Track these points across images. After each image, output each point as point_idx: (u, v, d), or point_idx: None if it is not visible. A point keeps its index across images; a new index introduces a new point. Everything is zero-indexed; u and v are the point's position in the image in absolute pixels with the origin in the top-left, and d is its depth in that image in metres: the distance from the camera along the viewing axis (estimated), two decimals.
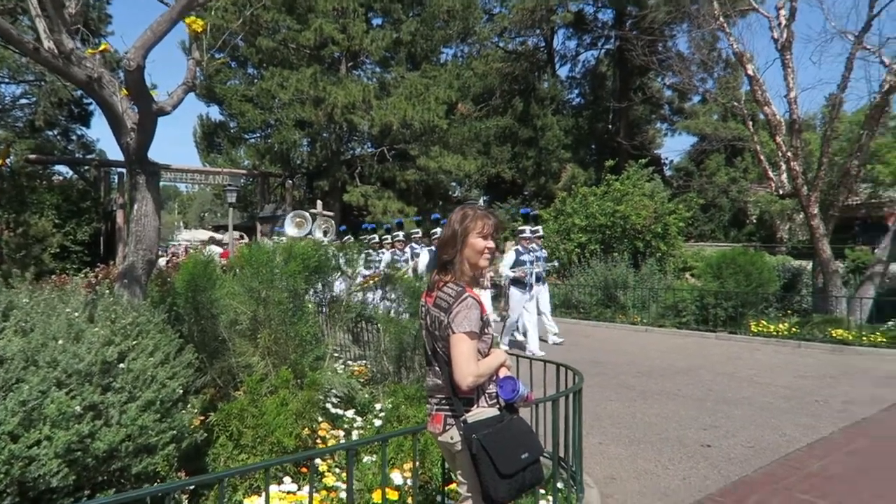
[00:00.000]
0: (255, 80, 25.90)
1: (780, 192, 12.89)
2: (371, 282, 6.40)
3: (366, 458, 3.70)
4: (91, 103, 25.83)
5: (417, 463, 3.28)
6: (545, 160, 30.91)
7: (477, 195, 32.16)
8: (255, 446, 3.43)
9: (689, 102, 34.87)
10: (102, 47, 4.04)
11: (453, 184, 31.10)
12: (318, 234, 12.24)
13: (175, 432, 2.99)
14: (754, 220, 29.83)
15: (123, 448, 2.70)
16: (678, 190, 26.32)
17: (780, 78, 11.75)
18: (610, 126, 33.07)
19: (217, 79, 25.76)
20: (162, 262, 13.78)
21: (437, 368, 2.30)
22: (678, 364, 8.45)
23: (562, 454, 3.73)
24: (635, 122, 34.25)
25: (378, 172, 26.39)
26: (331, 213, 17.08)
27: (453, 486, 2.97)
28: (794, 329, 10.21)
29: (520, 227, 9.92)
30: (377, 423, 4.21)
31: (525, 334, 9.55)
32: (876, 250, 11.72)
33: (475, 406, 2.24)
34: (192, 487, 3.15)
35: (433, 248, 9.56)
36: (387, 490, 3.10)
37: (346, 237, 13.63)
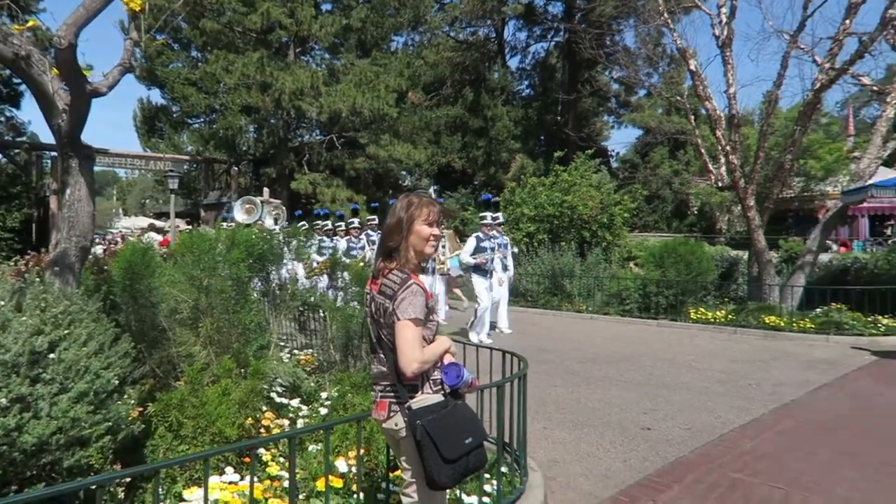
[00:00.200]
0: (199, 64, 25.12)
1: (720, 184, 13.34)
2: (322, 269, 6.34)
3: (311, 447, 3.67)
4: (21, 83, 24.53)
5: (362, 450, 3.28)
6: (495, 150, 31.12)
7: (427, 184, 32.13)
8: (195, 437, 3.36)
9: (635, 96, 35.72)
10: (31, 23, 3.84)
11: (403, 172, 30.99)
12: (269, 221, 12.00)
13: (110, 424, 2.89)
14: (695, 212, 30.84)
15: (54, 441, 2.60)
16: (624, 181, 26.91)
17: (720, 74, 12.17)
18: (559, 118, 33.52)
19: (158, 61, 24.85)
20: (99, 249, 13.26)
21: (382, 356, 2.30)
22: (621, 351, 8.68)
23: (507, 439, 3.79)
24: (583, 114, 34.84)
25: (327, 160, 26.04)
26: (277, 201, 16.77)
27: (399, 472, 2.98)
28: (730, 316, 10.62)
29: (481, 214, 9.85)
30: (323, 411, 4.18)
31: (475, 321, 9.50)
32: (807, 241, 12.28)
33: (420, 393, 2.25)
34: (128, 480, 3.06)
35: None
36: (332, 478, 3.09)
37: (301, 224, 13.42)
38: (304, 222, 13.62)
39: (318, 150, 26.04)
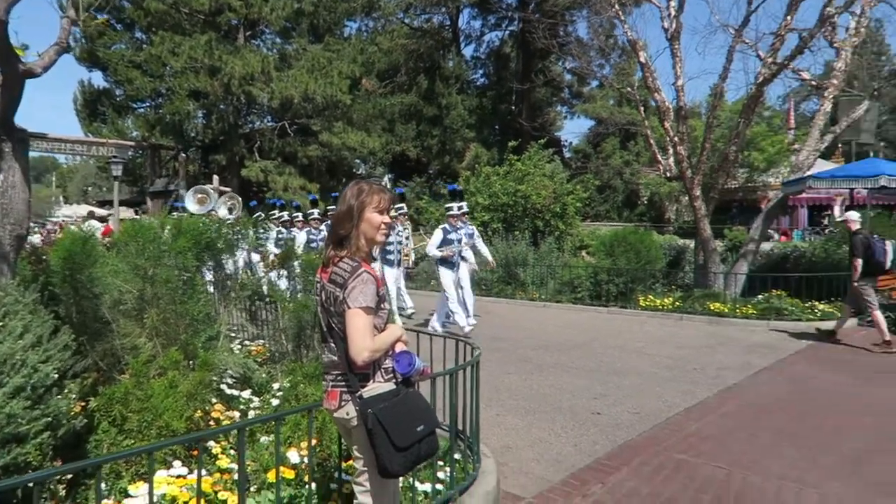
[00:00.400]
0: (144, 46, 24.23)
1: (668, 174, 13.68)
2: (280, 261, 6.21)
3: (263, 439, 3.61)
4: None
5: (314, 441, 3.25)
6: (449, 139, 31.12)
7: (382, 173, 31.91)
8: (141, 431, 3.27)
9: (587, 87, 36.19)
10: None
11: (357, 161, 30.69)
12: (223, 211, 11.66)
13: (50, 419, 2.78)
14: (645, 202, 31.57)
15: None
16: (576, 171, 27.34)
17: (669, 66, 12.45)
18: (513, 107, 33.73)
19: (100, 42, 23.86)
20: (37, 238, 12.71)
21: (333, 345, 2.28)
22: (573, 338, 8.84)
23: (461, 426, 3.82)
24: (537, 104, 35.13)
25: (279, 147, 25.56)
26: (227, 189, 16.38)
27: (351, 462, 2.97)
28: (677, 303, 10.93)
29: (447, 205, 9.59)
30: (275, 402, 4.12)
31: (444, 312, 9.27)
32: (750, 230, 12.73)
33: (371, 381, 2.24)
34: (70, 477, 2.96)
35: None
36: (283, 469, 3.05)
37: (257, 214, 13.11)
38: (259, 213, 13.33)
39: (270, 137, 25.53)
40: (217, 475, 3.14)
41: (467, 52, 36.35)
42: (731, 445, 4.50)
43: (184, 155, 25.74)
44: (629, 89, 14.57)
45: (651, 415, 5.24)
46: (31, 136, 3.90)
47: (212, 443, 3.45)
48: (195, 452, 3.20)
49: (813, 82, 12.60)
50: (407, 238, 9.89)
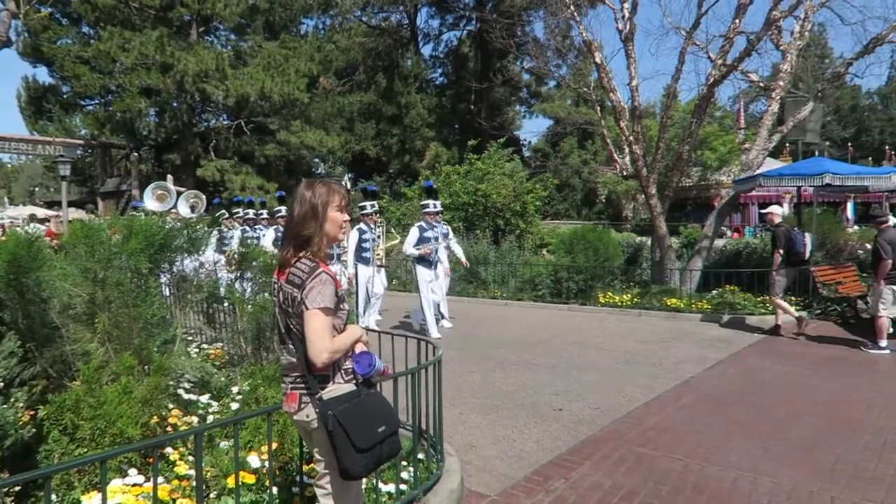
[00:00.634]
0: (92, 41, 23.41)
1: (625, 173, 13.93)
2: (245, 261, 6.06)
3: (222, 444, 3.53)
4: None
5: (275, 444, 3.20)
6: (409, 138, 31.04)
7: (341, 172, 31.64)
8: (94, 439, 3.15)
9: (545, 87, 36.57)
10: None
11: (316, 160, 30.36)
12: (184, 210, 11.30)
13: None
14: (603, 200, 32.06)
15: None
16: (536, 170, 27.59)
17: (624, 67, 12.64)
18: (472, 106, 33.85)
19: (44, 36, 22.97)
20: None
21: (292, 346, 2.25)
22: (534, 335, 8.92)
23: (424, 425, 3.81)
24: (496, 103, 35.34)
25: (235, 146, 25.08)
26: (183, 189, 15.98)
27: (313, 465, 2.93)
28: (635, 299, 11.14)
29: (423, 203, 9.42)
30: (234, 406, 4.03)
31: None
32: (704, 227, 13.05)
33: (331, 383, 2.21)
34: (18, 489, 2.84)
35: None
36: (244, 474, 2.99)
37: (220, 212, 12.81)
38: (223, 210, 13.03)
39: (226, 136, 25.04)
40: (175, 482, 3.07)
41: (426, 51, 36.37)
42: (689, 437, 4.61)
43: (136, 154, 25.03)
44: (586, 89, 14.77)
45: (611, 409, 5.33)
46: None
47: (169, 449, 3.36)
48: (151, 460, 3.12)
49: (761, 84, 13.00)
50: (379, 237, 9.69)
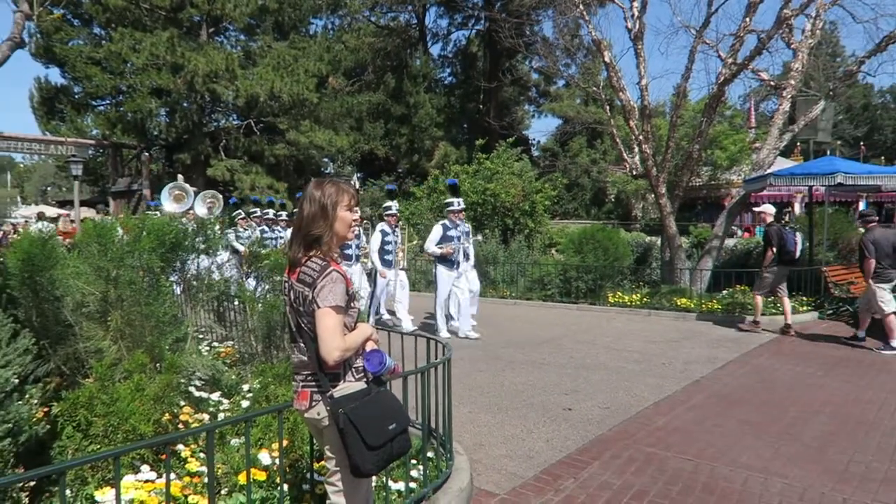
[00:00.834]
0: (103, 42, 23.59)
1: (634, 172, 13.87)
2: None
3: (233, 441, 3.56)
4: None
5: (286, 442, 3.22)
6: (418, 138, 31.05)
7: (350, 172, 31.71)
8: (107, 436, 3.18)
9: (554, 86, 36.48)
10: None
11: (325, 160, 30.43)
12: (202, 210, 11.33)
13: (11, 426, 2.70)
14: (612, 199, 31.94)
15: None
16: (544, 170, 27.53)
17: (633, 66, 12.58)
18: (481, 106, 33.82)
19: (56, 37, 23.15)
20: None
21: (303, 345, 2.26)
22: (543, 334, 8.91)
23: (433, 424, 3.82)
24: (504, 102, 35.30)
25: (245, 146, 25.18)
26: (194, 189, 16.06)
27: (324, 462, 2.95)
28: (645, 299, 11.10)
29: (447, 200, 9.15)
30: (245, 404, 4.06)
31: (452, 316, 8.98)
32: (714, 227, 12.99)
33: (342, 381, 2.23)
34: (33, 484, 2.88)
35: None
36: (255, 471, 3.01)
37: (237, 212, 12.88)
38: (240, 210, 13.10)
39: (236, 136, 25.14)
40: (187, 479, 3.09)
41: (434, 50, 36.38)
42: (699, 437, 4.59)
43: (146, 154, 25.19)
44: (595, 89, 14.72)
45: (621, 409, 5.31)
46: None
47: (181, 446, 3.39)
48: (163, 456, 3.14)
49: (771, 82, 12.91)
50: (397, 242, 9.51)
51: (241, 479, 3.00)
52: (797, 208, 22.94)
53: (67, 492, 2.75)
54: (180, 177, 15.48)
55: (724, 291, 10.60)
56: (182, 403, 3.82)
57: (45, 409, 3.34)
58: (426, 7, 33.72)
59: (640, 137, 12.35)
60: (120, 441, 3.17)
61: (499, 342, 8.35)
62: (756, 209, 10.00)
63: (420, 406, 3.56)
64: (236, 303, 5.53)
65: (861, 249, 7.62)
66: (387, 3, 32.54)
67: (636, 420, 5.03)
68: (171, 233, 4.65)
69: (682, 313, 10.24)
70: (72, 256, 4.45)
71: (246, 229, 11.94)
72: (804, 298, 10.29)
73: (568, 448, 4.42)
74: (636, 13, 12.12)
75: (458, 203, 8.86)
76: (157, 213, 10.11)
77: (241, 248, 10.17)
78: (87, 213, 23.23)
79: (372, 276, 9.20)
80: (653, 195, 14.30)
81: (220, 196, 12.66)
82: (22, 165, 71.81)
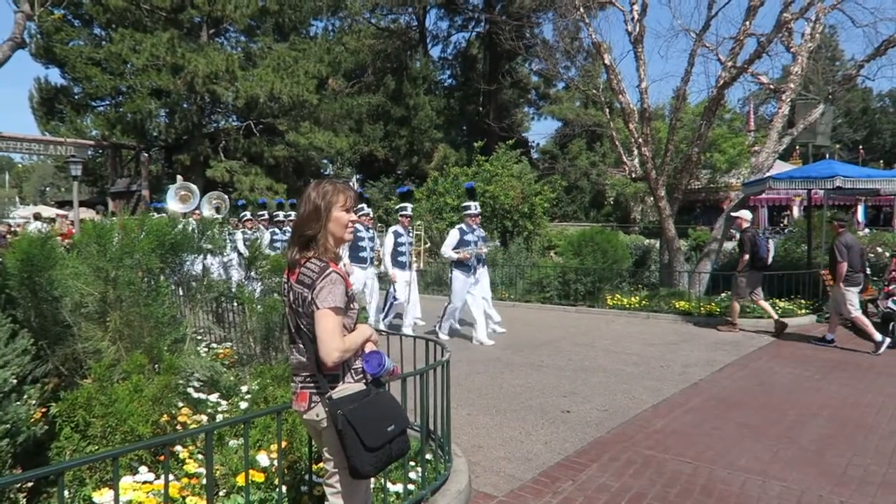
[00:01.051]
0: (103, 42, 23.60)
1: (633, 175, 13.88)
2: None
3: (231, 442, 3.56)
4: None
5: (284, 443, 3.22)
6: (418, 140, 31.07)
7: (350, 173, 31.72)
8: (105, 437, 3.18)
9: (553, 88, 36.52)
10: None
11: (325, 161, 30.43)
12: (209, 211, 11.31)
13: (9, 426, 2.70)
14: (611, 202, 31.99)
15: None
16: (544, 172, 27.57)
17: (633, 69, 12.59)
18: (480, 108, 33.86)
19: (57, 38, 23.14)
20: None
21: (302, 346, 2.26)
22: (542, 337, 8.91)
23: (431, 426, 3.82)
24: (504, 105, 35.33)
25: (244, 147, 25.18)
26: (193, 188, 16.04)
27: (322, 464, 2.95)
28: (644, 302, 11.10)
29: (464, 204, 8.96)
30: (243, 405, 4.06)
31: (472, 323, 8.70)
32: (713, 230, 12.99)
33: (340, 382, 2.23)
34: (31, 485, 2.87)
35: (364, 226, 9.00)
36: (253, 472, 3.01)
37: (243, 214, 12.86)
38: (246, 213, 13.10)
39: (235, 137, 25.13)
40: (185, 480, 3.09)
41: (434, 52, 36.43)
42: (697, 440, 4.60)
43: (146, 154, 25.17)
44: (594, 91, 14.73)
45: (619, 411, 5.32)
46: None
47: (179, 447, 3.39)
48: (162, 457, 3.14)
49: (771, 86, 12.92)
50: (411, 243, 9.36)
51: (240, 480, 3.00)
52: (796, 212, 22.98)
53: (66, 493, 2.75)
54: (179, 178, 15.47)
55: (723, 294, 10.60)
56: (180, 405, 3.82)
57: (44, 410, 3.34)
58: (426, 9, 33.78)
59: (640, 140, 12.36)
60: (118, 442, 3.17)
61: (497, 344, 8.35)
62: (733, 214, 10.13)
63: (419, 408, 3.56)
64: (235, 304, 5.54)
65: (834, 253, 7.86)
66: (387, 5, 32.59)
67: (634, 423, 5.03)
68: (170, 233, 4.65)
69: (680, 316, 10.24)
70: (71, 257, 4.45)
71: (254, 230, 11.92)
72: (803, 301, 10.30)
73: (566, 450, 4.42)
74: (636, 16, 12.13)
75: (474, 207, 8.70)
76: (164, 213, 10.07)
77: (244, 251, 10.17)
78: (87, 213, 23.22)
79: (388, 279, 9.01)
80: (652, 198, 14.31)
81: (227, 197, 12.63)
82: (21, 166, 71.77)
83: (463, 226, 8.64)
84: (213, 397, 4.17)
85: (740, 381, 6.36)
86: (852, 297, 7.75)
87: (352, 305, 2.27)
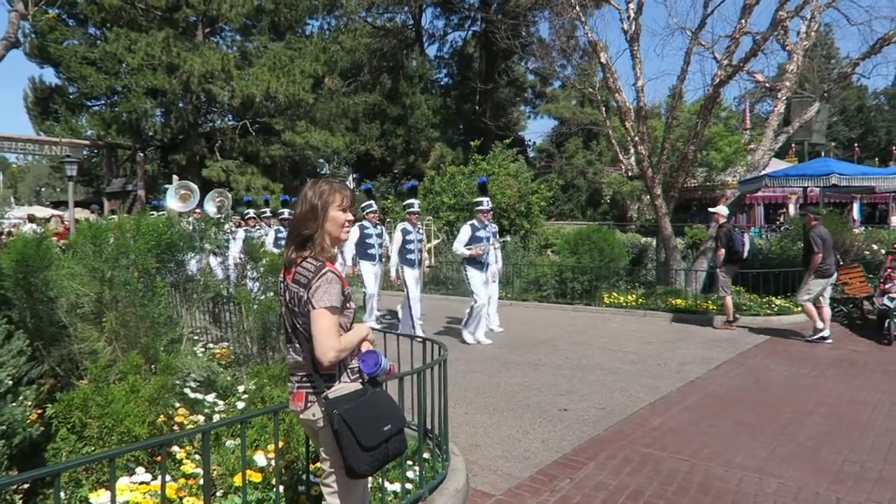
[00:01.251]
0: (98, 42, 23.51)
1: (630, 174, 13.89)
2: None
3: (228, 442, 3.56)
4: None
5: (281, 443, 3.22)
6: (414, 139, 31.05)
7: (346, 172, 31.69)
8: (101, 438, 3.18)
9: (550, 87, 36.51)
10: None
11: (321, 160, 30.40)
12: (211, 209, 11.23)
13: (4, 428, 2.69)
14: (608, 201, 31.98)
15: None
16: (540, 171, 27.57)
17: (629, 68, 12.63)
18: (477, 107, 33.85)
19: (51, 37, 23.04)
20: None
21: (298, 345, 2.26)
22: (539, 335, 8.92)
23: (429, 425, 3.82)
24: (500, 103, 35.32)
25: (240, 146, 25.14)
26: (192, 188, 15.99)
27: (319, 464, 2.94)
28: (640, 300, 11.12)
29: (476, 200, 8.84)
30: (240, 405, 4.06)
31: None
32: (709, 228, 13.01)
33: (337, 382, 2.22)
34: (27, 486, 2.86)
35: (371, 223, 8.98)
36: (250, 472, 3.01)
37: (246, 212, 12.83)
38: (249, 210, 13.06)
39: (231, 136, 25.09)
40: (182, 481, 3.09)
41: (431, 51, 36.40)
42: (694, 438, 4.60)
43: (141, 154, 25.11)
44: (591, 90, 14.73)
45: (616, 409, 5.32)
46: None
47: (176, 448, 3.38)
48: (159, 458, 3.14)
49: (767, 84, 12.96)
50: (421, 239, 9.25)
51: (237, 480, 3.00)
52: (791, 209, 23.02)
53: (62, 494, 2.74)
54: (175, 177, 15.42)
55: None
56: (177, 405, 3.81)
57: (40, 411, 3.33)
58: (422, 8, 33.75)
59: (636, 139, 12.37)
60: (115, 443, 3.16)
61: (494, 343, 8.35)
62: (710, 209, 10.23)
63: (416, 407, 3.56)
64: (232, 304, 5.52)
65: (809, 244, 8.03)
66: (383, 4, 32.56)
67: (632, 420, 5.04)
68: (166, 233, 4.64)
69: (677, 314, 10.25)
70: (66, 257, 4.44)
71: (258, 228, 11.90)
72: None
73: (564, 449, 4.42)
74: (632, 15, 12.13)
75: (486, 202, 8.61)
76: (164, 212, 10.03)
77: (237, 252, 10.13)
78: (82, 213, 23.14)
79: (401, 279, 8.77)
80: (648, 196, 14.32)
81: (229, 195, 12.58)
82: (15, 166, 71.46)
83: (475, 222, 8.54)
84: (210, 397, 4.16)
85: (737, 379, 6.37)
86: (814, 287, 7.99)
87: (348, 305, 2.27)
